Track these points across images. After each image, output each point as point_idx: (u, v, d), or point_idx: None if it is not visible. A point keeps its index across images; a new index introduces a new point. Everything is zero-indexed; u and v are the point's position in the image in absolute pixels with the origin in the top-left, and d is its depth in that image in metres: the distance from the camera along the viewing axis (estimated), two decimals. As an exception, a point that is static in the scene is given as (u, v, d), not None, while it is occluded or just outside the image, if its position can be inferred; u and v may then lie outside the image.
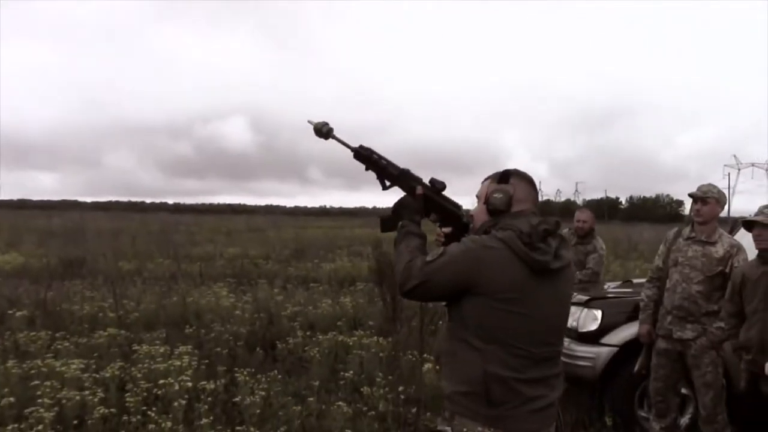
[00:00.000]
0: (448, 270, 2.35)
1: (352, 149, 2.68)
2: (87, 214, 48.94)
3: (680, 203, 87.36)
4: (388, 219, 2.70)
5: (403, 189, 2.69)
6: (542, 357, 2.40)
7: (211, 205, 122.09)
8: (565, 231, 4.39)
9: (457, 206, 2.71)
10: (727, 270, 4.58)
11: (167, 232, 26.03)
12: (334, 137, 2.66)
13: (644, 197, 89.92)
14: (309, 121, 2.68)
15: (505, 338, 2.33)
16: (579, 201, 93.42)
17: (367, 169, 2.69)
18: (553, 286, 2.41)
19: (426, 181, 2.69)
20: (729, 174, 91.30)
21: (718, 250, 4.65)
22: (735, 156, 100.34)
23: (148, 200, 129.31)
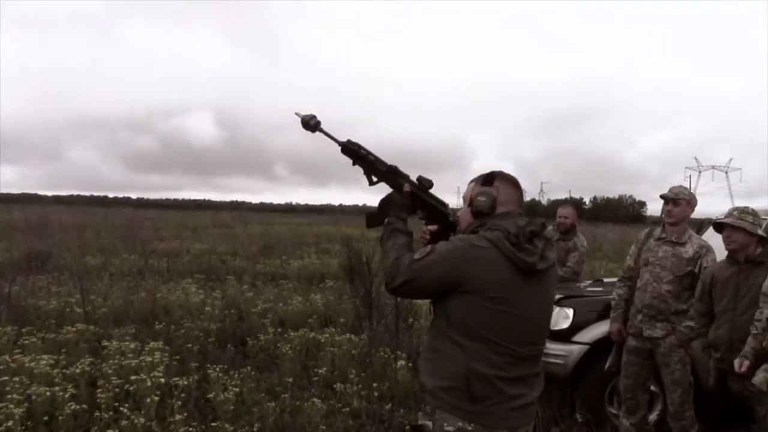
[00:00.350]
0: (436, 268, 2.37)
1: (340, 143, 2.68)
2: (48, 208, 48.14)
3: (642, 204, 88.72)
4: (374, 215, 2.70)
5: (391, 185, 2.69)
6: (525, 356, 2.43)
7: (175, 200, 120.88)
8: (548, 228, 4.45)
9: (444, 205, 2.73)
10: (696, 270, 4.68)
11: (132, 227, 25.73)
12: (321, 130, 2.65)
13: (607, 198, 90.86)
14: (296, 114, 2.67)
15: (490, 336, 2.36)
16: (544, 201, 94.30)
17: (354, 164, 2.69)
18: (538, 286, 2.45)
19: (413, 178, 2.71)
20: (690, 176, 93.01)
21: (688, 251, 4.74)
22: (696, 158, 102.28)
23: (110, 195, 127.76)
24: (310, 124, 2.64)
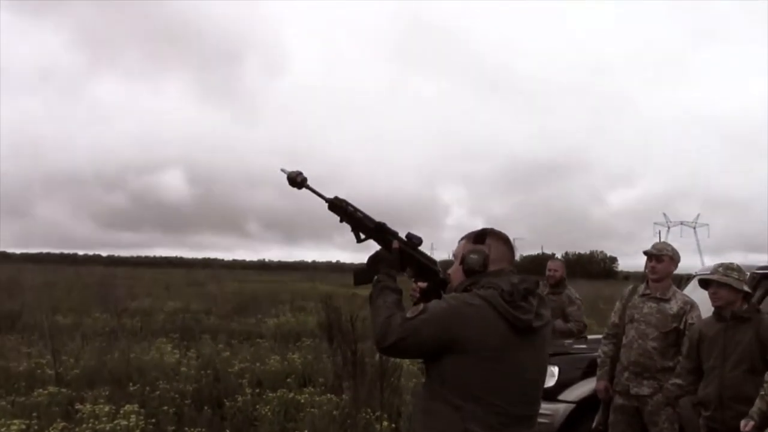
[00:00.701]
0: (429, 327, 2.32)
1: (327, 200, 2.63)
2: (17, 265, 47.39)
3: (614, 259, 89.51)
4: (362, 272, 2.65)
5: (379, 243, 2.65)
6: (521, 416, 2.40)
7: (146, 257, 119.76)
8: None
9: (434, 262, 2.70)
10: (682, 326, 4.68)
11: (104, 285, 25.33)
12: (308, 187, 2.62)
13: (579, 253, 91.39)
14: (282, 170, 2.64)
15: (486, 396, 2.32)
16: (516, 257, 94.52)
17: (341, 220, 2.65)
18: (533, 344, 2.41)
19: (402, 235, 2.67)
20: (660, 231, 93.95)
21: (672, 307, 4.75)
22: (665, 214, 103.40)
23: (80, 252, 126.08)
24: (297, 180, 2.60)
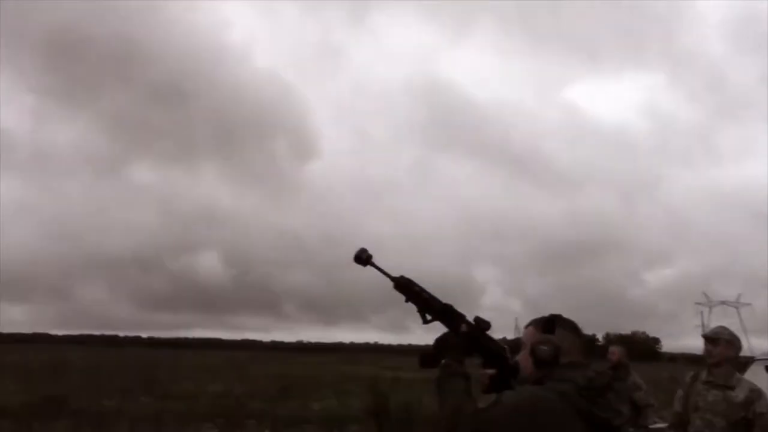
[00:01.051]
0: (502, 421, 2.24)
1: (393, 279, 2.58)
2: (60, 346, 47.88)
3: (657, 340, 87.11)
4: (429, 355, 2.60)
5: (446, 325, 2.59)
6: None
7: (186, 339, 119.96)
8: None
9: (503, 348, 2.63)
10: (750, 416, 4.50)
11: (147, 368, 25.38)
12: (373, 264, 2.58)
13: (620, 334, 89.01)
14: (361, 255, 2.63)
15: None
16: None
17: (407, 300, 2.61)
18: None
19: (470, 318, 2.63)
20: (702, 312, 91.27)
21: (738, 395, 4.57)
22: (705, 294, 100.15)
23: (121, 334, 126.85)
24: (363, 258, 2.57)
